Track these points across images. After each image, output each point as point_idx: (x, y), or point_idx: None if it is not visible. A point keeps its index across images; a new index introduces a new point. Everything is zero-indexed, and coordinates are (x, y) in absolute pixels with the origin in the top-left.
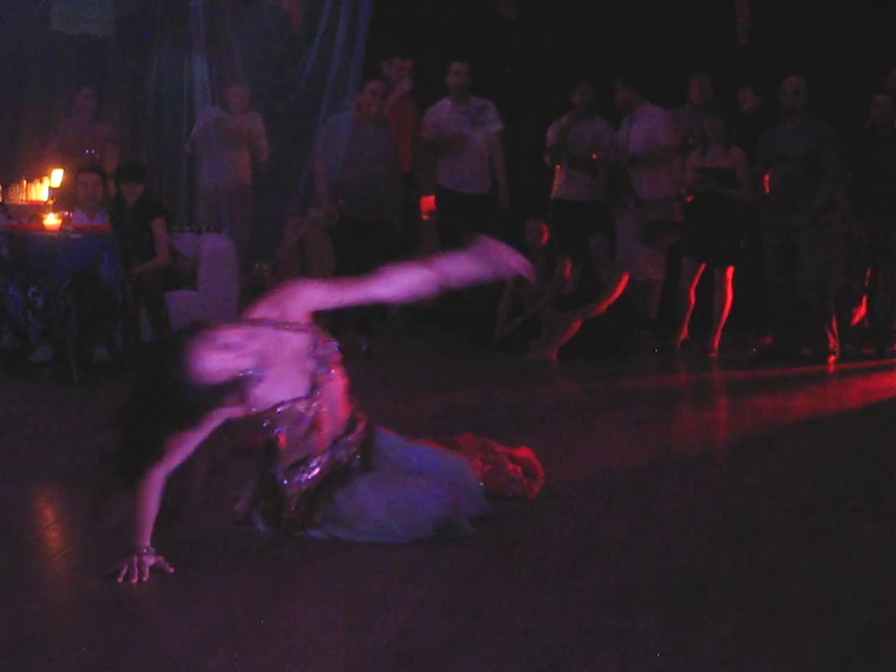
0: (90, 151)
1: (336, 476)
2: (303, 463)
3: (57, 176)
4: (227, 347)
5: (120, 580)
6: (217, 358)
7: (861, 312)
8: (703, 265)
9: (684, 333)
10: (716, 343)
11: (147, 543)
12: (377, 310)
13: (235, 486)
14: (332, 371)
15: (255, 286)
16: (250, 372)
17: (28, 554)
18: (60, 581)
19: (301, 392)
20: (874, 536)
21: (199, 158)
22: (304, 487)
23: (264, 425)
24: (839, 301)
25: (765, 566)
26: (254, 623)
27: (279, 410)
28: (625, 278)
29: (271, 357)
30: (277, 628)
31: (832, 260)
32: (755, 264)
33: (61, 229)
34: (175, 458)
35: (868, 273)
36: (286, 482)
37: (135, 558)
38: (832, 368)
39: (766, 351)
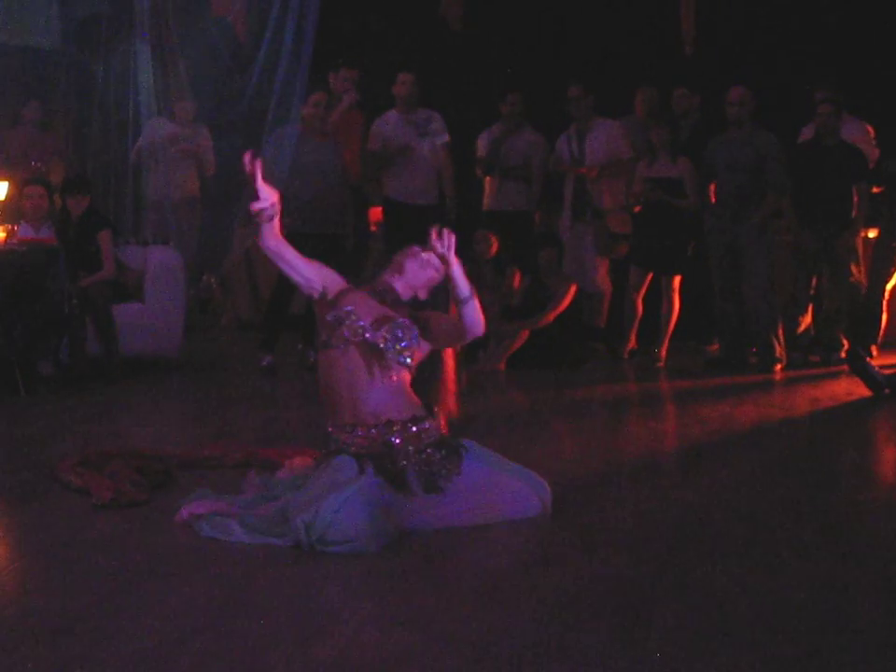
0: (35, 163)
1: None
2: (352, 426)
3: (2, 189)
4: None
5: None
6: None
7: (806, 320)
8: (650, 274)
9: (632, 342)
10: (663, 352)
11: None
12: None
13: None
14: (401, 357)
15: (202, 298)
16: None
17: None
18: (5, 597)
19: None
20: (820, 543)
21: (145, 170)
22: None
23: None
24: (785, 309)
25: (713, 574)
26: (202, 638)
27: (348, 315)
28: (573, 289)
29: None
30: (225, 643)
31: (777, 269)
32: (702, 273)
33: (6, 241)
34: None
35: (813, 281)
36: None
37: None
38: (778, 376)
39: (713, 360)
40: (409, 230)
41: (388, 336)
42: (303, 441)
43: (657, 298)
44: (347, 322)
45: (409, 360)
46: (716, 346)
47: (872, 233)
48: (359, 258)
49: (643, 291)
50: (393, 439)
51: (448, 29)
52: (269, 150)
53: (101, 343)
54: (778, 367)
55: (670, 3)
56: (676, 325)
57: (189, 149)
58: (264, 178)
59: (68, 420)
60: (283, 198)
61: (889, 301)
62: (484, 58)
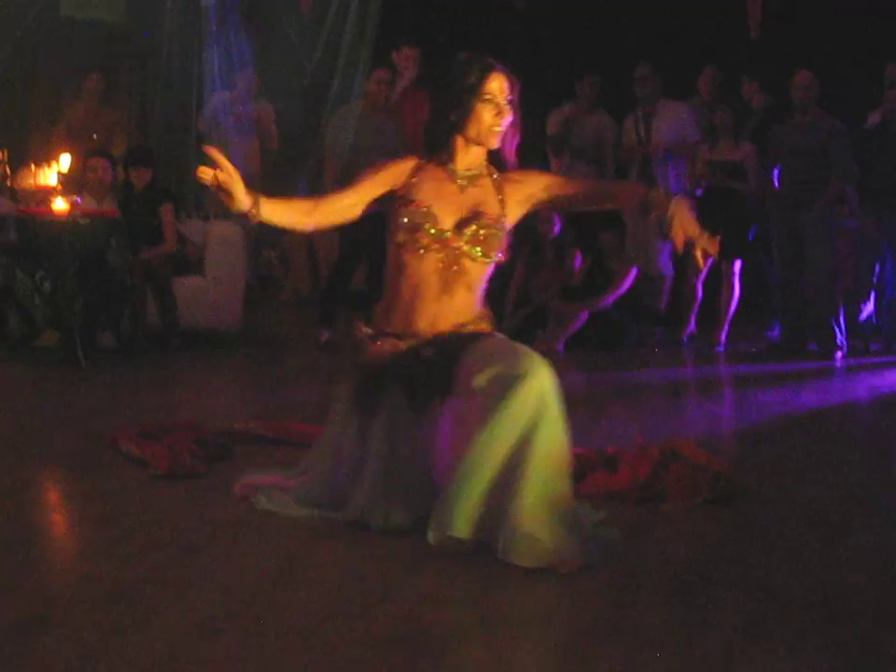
0: (96, 136)
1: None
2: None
3: (65, 161)
4: None
5: None
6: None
7: (868, 307)
8: (710, 259)
9: (691, 327)
10: (723, 337)
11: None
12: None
13: None
14: (480, 256)
15: (262, 273)
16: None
17: (33, 537)
18: (63, 564)
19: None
20: (879, 532)
21: (209, 142)
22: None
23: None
24: (847, 296)
25: (771, 561)
26: (256, 610)
27: (426, 217)
28: (634, 272)
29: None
30: (278, 616)
31: (840, 255)
32: (763, 258)
33: (69, 213)
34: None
35: (876, 268)
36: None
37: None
38: (839, 363)
39: (773, 345)
40: None
41: (472, 239)
42: None
43: (718, 282)
44: (426, 226)
45: (497, 256)
46: (776, 332)
47: None
48: None
49: (703, 275)
50: (425, 352)
51: (511, 6)
52: (331, 127)
53: (161, 316)
54: (839, 354)
55: None
56: (736, 310)
57: (248, 115)
58: (320, 157)
59: (128, 392)
60: (344, 175)
61: None
62: (546, 37)
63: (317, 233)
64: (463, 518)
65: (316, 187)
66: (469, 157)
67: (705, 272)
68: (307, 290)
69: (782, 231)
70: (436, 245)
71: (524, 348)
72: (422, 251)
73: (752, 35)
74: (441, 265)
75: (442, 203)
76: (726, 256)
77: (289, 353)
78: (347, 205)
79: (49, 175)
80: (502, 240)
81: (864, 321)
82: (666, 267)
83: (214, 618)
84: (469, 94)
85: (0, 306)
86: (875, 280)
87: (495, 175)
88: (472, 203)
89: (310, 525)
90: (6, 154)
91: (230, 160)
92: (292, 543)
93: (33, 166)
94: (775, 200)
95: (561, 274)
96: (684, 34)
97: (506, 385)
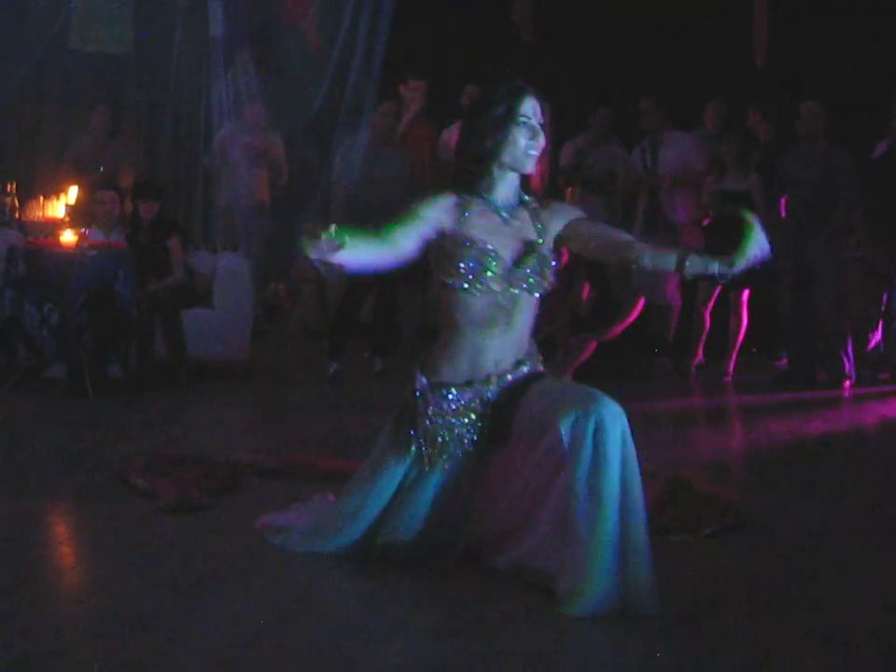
0: (103, 168)
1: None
2: (444, 388)
3: (73, 193)
4: None
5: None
6: None
7: (876, 337)
8: (718, 288)
9: (699, 356)
10: (731, 367)
11: None
12: (392, 330)
13: None
14: (536, 288)
15: (270, 305)
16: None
17: (41, 570)
18: (71, 597)
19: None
20: (890, 562)
21: (217, 175)
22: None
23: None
24: (855, 325)
25: (781, 592)
26: (265, 644)
27: (487, 255)
28: (641, 302)
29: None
30: (287, 648)
31: (848, 285)
32: (771, 287)
33: (77, 245)
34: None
35: (884, 297)
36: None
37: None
38: (847, 392)
39: (781, 375)
40: None
41: (531, 273)
42: (368, 450)
43: (726, 312)
44: (491, 265)
45: (549, 286)
46: (784, 361)
47: None
48: (425, 268)
49: (711, 305)
50: (488, 395)
51: (519, 39)
52: (339, 160)
53: (169, 348)
54: (847, 383)
55: (743, 16)
56: (744, 339)
57: (257, 147)
58: (327, 188)
59: (136, 424)
60: (352, 207)
61: None
62: (555, 69)
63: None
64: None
65: (325, 217)
66: (506, 186)
67: (713, 301)
68: (315, 322)
69: (789, 260)
70: (496, 285)
71: (585, 388)
72: (485, 291)
73: (759, 64)
74: (501, 303)
75: (497, 239)
76: (734, 285)
77: (297, 385)
78: (405, 247)
79: (57, 208)
80: (553, 270)
81: (872, 350)
82: (674, 297)
83: (224, 651)
84: (503, 119)
85: (8, 338)
86: (882, 309)
87: (532, 205)
88: (520, 235)
89: (319, 557)
90: (14, 186)
91: (238, 191)
92: (301, 576)
93: (41, 199)
94: (782, 229)
95: (569, 305)
96: (691, 64)
97: (581, 428)
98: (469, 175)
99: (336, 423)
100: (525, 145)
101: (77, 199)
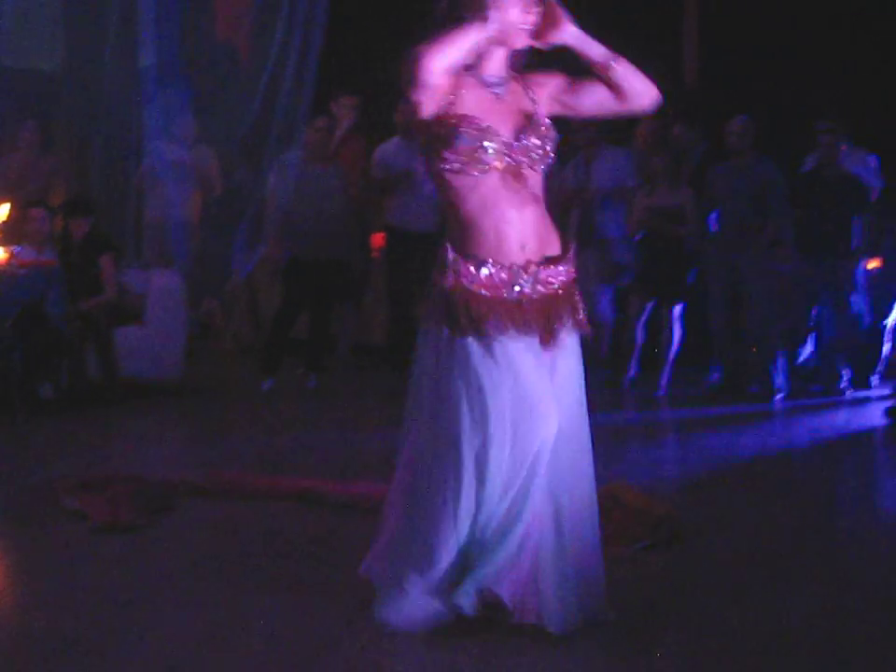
0: (32, 186)
1: None
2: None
3: (3, 211)
4: None
5: None
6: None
7: (807, 349)
8: (651, 303)
9: (633, 371)
10: (664, 381)
11: None
12: (327, 347)
13: None
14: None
15: (203, 321)
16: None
17: None
18: (3, 618)
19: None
20: (822, 573)
21: (147, 191)
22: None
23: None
24: (785, 338)
25: (715, 602)
26: (198, 662)
27: (484, 133)
28: None
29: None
30: (220, 667)
31: (778, 298)
32: (703, 301)
33: (7, 264)
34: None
35: (814, 311)
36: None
37: None
38: (778, 406)
39: (714, 388)
40: (410, 256)
41: (533, 146)
42: (303, 467)
43: (659, 326)
44: (487, 142)
45: (550, 160)
46: (716, 375)
47: (872, 264)
48: (361, 284)
49: (644, 320)
50: (521, 285)
51: None
52: (272, 176)
53: (101, 366)
54: (779, 396)
55: (672, 33)
56: (676, 353)
57: (186, 163)
58: (261, 204)
59: (68, 443)
60: (285, 224)
61: (891, 331)
62: None
63: (258, 283)
64: None
65: (257, 234)
66: (494, 61)
67: (645, 316)
68: (249, 339)
69: (720, 274)
70: (498, 161)
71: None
72: (486, 170)
73: (688, 81)
74: (505, 180)
75: (492, 116)
76: (666, 299)
77: (231, 402)
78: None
79: None
80: (554, 141)
81: (803, 363)
82: (607, 312)
83: (156, 670)
84: None
85: None
86: (812, 322)
87: (520, 77)
88: (515, 107)
89: (252, 576)
90: None
91: (168, 210)
92: (236, 593)
93: None
94: (712, 243)
95: None
96: None
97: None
98: None
99: (270, 440)
100: (517, 18)
101: (8, 216)
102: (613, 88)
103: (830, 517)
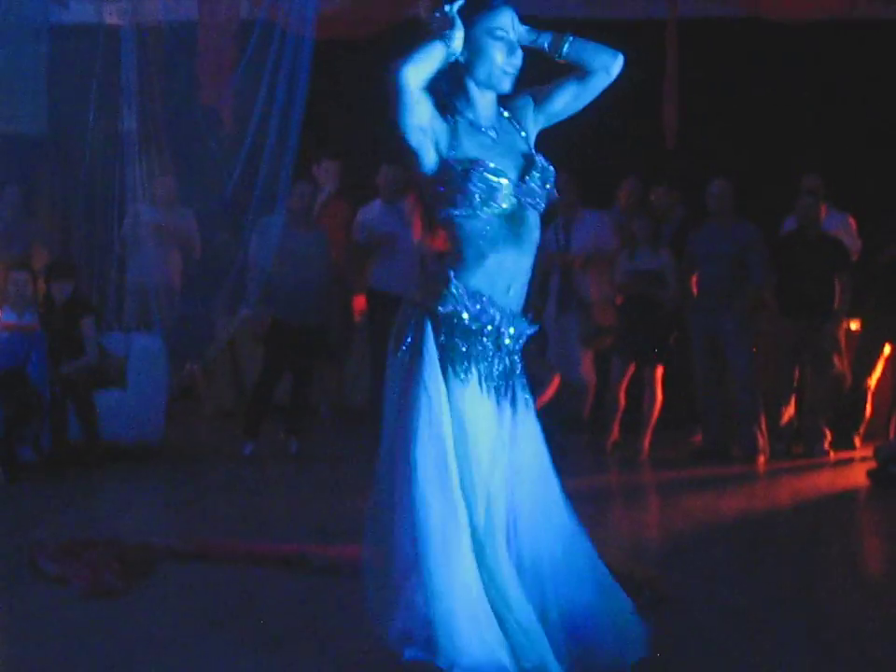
0: (16, 250)
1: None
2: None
3: None
4: None
5: None
6: None
7: (789, 411)
8: (632, 365)
9: (615, 434)
10: (646, 444)
11: None
12: (308, 411)
13: None
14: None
15: (184, 385)
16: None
17: None
18: None
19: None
20: (805, 635)
21: (128, 255)
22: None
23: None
24: (768, 400)
25: (699, 667)
26: None
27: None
28: (557, 380)
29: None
30: None
31: (760, 360)
32: (684, 364)
33: None
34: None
35: (796, 372)
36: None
37: None
38: (761, 467)
39: (696, 451)
40: (391, 319)
41: (536, 186)
42: (284, 532)
43: (640, 389)
44: (498, 184)
45: (549, 200)
46: (699, 437)
47: (854, 325)
48: (343, 347)
49: (626, 382)
50: (503, 332)
51: None
52: (254, 240)
53: (82, 429)
54: (761, 458)
55: (652, 96)
56: (659, 416)
57: (166, 228)
58: (242, 268)
59: (48, 506)
60: (268, 287)
61: (872, 392)
62: None
63: (240, 344)
64: None
65: (238, 297)
66: (484, 106)
67: (627, 378)
68: (230, 403)
69: (701, 336)
70: (506, 202)
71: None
72: (495, 212)
73: (668, 143)
74: (510, 221)
75: (495, 157)
76: (648, 362)
77: (212, 466)
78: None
79: None
80: (553, 176)
81: (785, 425)
82: (589, 375)
83: None
84: (478, 31)
85: None
86: (794, 384)
87: (505, 114)
88: (513, 149)
89: (233, 640)
90: None
91: (149, 273)
92: (215, 657)
93: None
94: (694, 305)
95: None
96: (603, 144)
97: None
98: (444, 97)
99: (251, 504)
100: (502, 61)
101: None
102: (575, 68)
103: (813, 579)
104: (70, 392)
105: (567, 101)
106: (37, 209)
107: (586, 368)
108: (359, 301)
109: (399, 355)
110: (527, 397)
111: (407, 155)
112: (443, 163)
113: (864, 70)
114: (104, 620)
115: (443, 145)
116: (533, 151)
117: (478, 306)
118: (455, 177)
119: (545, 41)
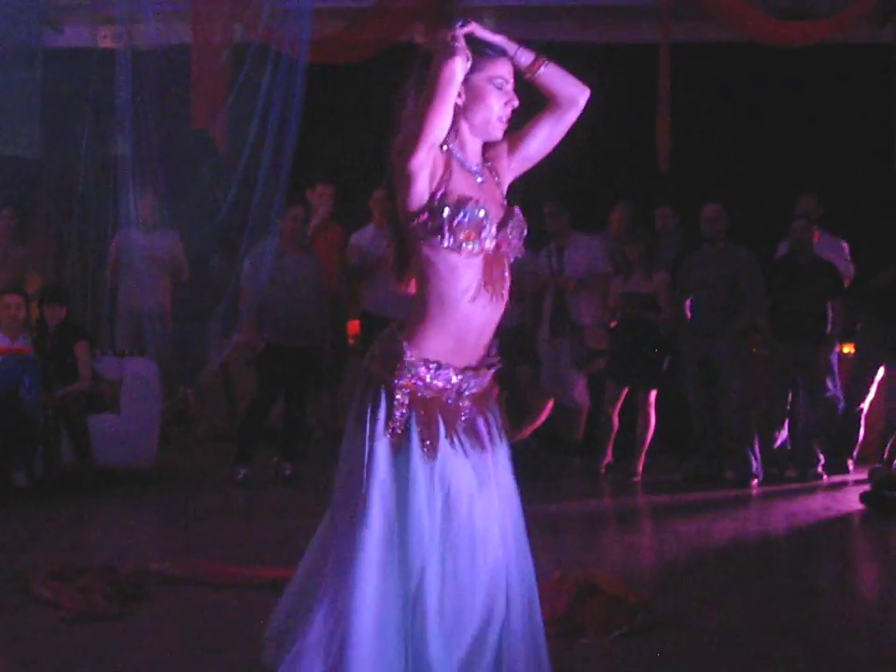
0: (9, 273)
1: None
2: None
3: None
4: None
5: None
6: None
7: (783, 435)
8: (626, 389)
9: (608, 457)
10: (640, 467)
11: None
12: (301, 435)
13: None
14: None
15: (178, 409)
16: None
17: None
18: None
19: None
20: (799, 659)
21: (119, 279)
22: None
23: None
24: (761, 423)
25: None
26: None
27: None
28: (550, 404)
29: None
30: None
31: (753, 384)
32: (678, 387)
33: None
34: None
35: (790, 396)
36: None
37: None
38: (755, 491)
39: (690, 474)
40: None
41: (512, 236)
42: (278, 556)
43: (633, 412)
44: (485, 222)
45: (518, 256)
46: (692, 461)
47: (847, 349)
48: (337, 371)
49: (619, 406)
50: (464, 388)
51: None
52: (247, 264)
53: (75, 454)
54: (755, 482)
55: (645, 120)
56: (652, 439)
57: (156, 256)
58: (235, 292)
59: (41, 531)
60: (261, 311)
61: (866, 416)
62: None
63: (233, 368)
64: None
65: (232, 321)
66: (473, 150)
67: (620, 402)
68: (224, 427)
69: (695, 360)
70: (490, 243)
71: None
72: (478, 252)
73: (661, 167)
74: (488, 265)
75: (481, 199)
76: (641, 385)
77: (205, 490)
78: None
79: None
80: (526, 236)
81: (778, 449)
82: (582, 398)
83: None
84: (479, 77)
85: None
86: (787, 408)
87: (487, 163)
88: (494, 197)
89: (226, 664)
90: None
91: (140, 297)
92: None
93: None
94: (687, 329)
95: None
96: (595, 167)
97: None
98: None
99: (245, 529)
100: (499, 111)
101: None
102: (547, 95)
103: (807, 603)
104: (63, 416)
105: (541, 142)
106: (31, 233)
107: (579, 391)
108: (353, 325)
109: (356, 429)
110: (498, 430)
111: (394, 182)
112: (433, 194)
113: (857, 94)
114: (96, 644)
115: (437, 174)
116: (510, 205)
117: (434, 370)
118: (443, 208)
119: (525, 58)
